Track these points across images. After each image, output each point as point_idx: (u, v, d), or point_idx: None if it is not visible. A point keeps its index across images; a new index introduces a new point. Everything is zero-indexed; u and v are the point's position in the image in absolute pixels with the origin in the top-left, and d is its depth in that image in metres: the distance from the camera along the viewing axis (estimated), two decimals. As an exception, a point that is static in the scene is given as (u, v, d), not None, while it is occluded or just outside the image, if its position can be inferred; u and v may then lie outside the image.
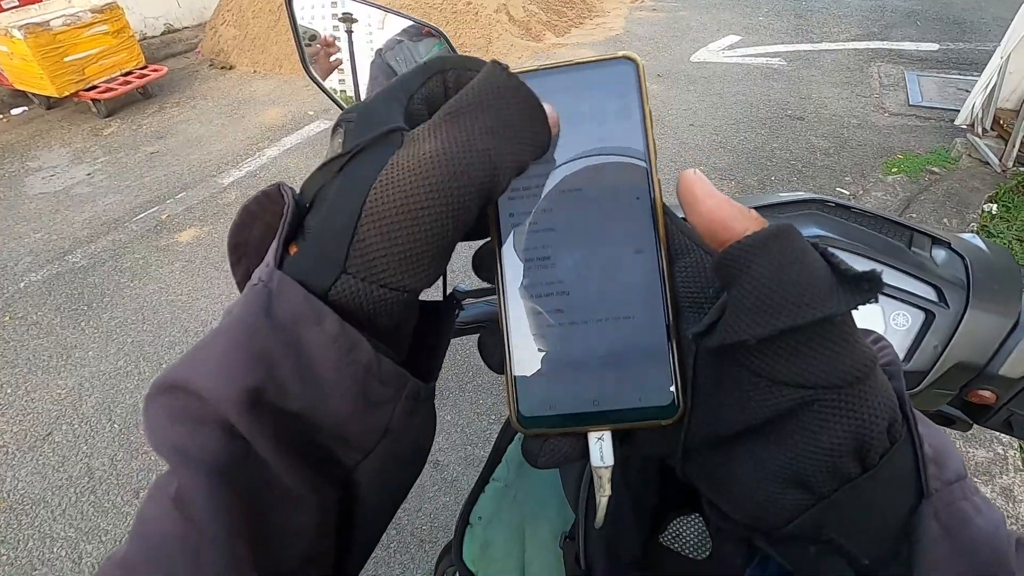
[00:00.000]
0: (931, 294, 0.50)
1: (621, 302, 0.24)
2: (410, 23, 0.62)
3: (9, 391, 2.11)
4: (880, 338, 0.26)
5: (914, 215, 2.67)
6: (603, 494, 0.25)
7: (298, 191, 0.25)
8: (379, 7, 0.59)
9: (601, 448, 0.24)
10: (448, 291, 0.31)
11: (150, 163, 3.62)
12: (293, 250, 0.24)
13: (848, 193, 2.95)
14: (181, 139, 3.91)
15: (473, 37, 4.91)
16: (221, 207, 3.14)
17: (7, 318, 2.44)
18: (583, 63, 0.26)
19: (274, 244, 0.23)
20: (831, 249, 0.21)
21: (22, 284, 2.63)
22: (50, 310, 2.48)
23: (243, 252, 0.25)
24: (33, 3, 4.30)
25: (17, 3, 4.24)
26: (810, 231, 0.55)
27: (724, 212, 0.23)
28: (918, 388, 0.49)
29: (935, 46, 4.70)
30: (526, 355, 0.25)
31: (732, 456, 0.23)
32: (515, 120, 0.24)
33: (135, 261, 2.76)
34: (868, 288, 0.20)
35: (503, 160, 0.23)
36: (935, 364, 0.49)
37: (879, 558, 0.21)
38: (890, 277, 0.52)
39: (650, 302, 0.24)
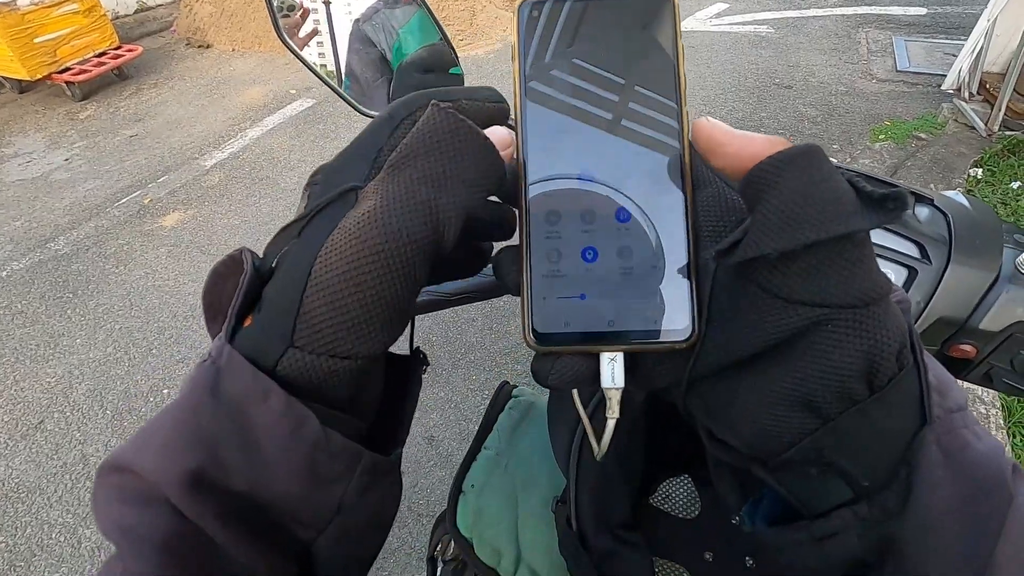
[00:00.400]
0: (914, 251, 0.50)
1: (643, 226, 0.24)
2: None
3: (-3, 381, 2.10)
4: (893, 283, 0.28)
5: (901, 181, 2.67)
6: (612, 415, 0.25)
7: (261, 255, 0.25)
8: None
9: (613, 369, 0.24)
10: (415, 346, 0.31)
11: (130, 146, 3.54)
12: (247, 322, 0.23)
13: (836, 161, 2.95)
14: (160, 121, 3.82)
15: (457, 10, 4.80)
16: (204, 190, 3.09)
17: (-9, 308, 2.41)
18: None
19: (228, 317, 0.23)
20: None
21: (4, 273, 2.59)
22: (35, 298, 2.45)
23: (216, 310, 0.25)
24: (-2, -18, 4.14)
25: (-19, -18, 4.08)
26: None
27: (756, 145, 0.23)
28: (901, 344, 0.50)
29: (923, 10, 4.66)
30: (544, 272, 0.25)
31: (740, 382, 0.23)
32: (459, 163, 0.23)
33: (119, 247, 2.71)
34: (893, 207, 0.20)
35: (446, 210, 0.23)
36: (918, 319, 0.49)
37: (879, 479, 0.21)
38: (875, 235, 0.52)
39: (673, 228, 0.24)
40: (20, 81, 4.06)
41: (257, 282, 0.24)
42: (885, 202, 0.20)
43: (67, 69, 4.00)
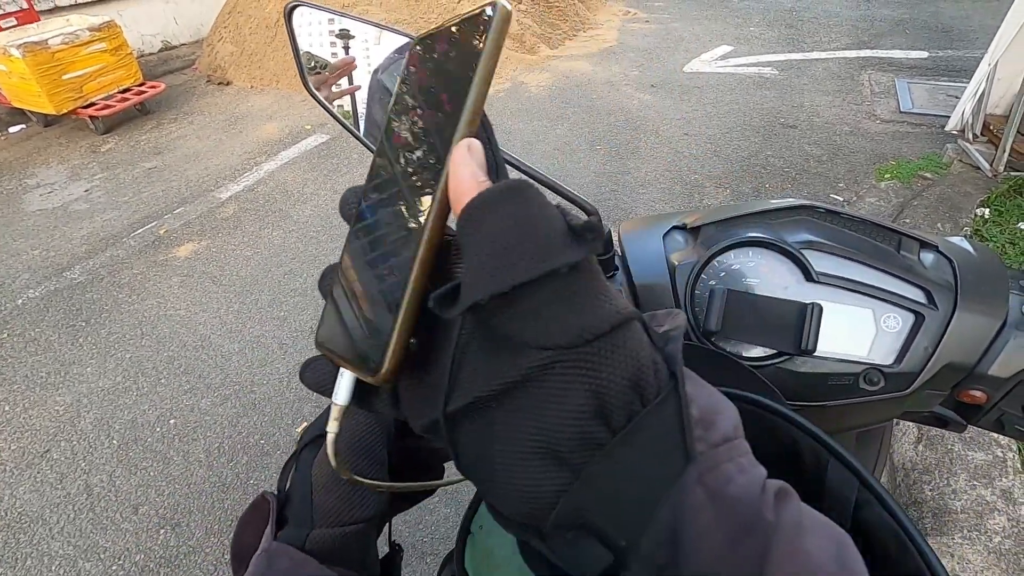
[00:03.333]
0: (920, 296, 0.51)
1: (385, 263, 0.25)
2: (406, 39, 0.63)
3: (7, 408, 2.10)
4: (672, 311, 0.26)
5: (908, 220, 2.69)
6: (330, 429, 0.28)
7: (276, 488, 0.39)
8: (375, 24, 0.60)
9: (341, 386, 0.27)
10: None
11: (148, 179, 3.64)
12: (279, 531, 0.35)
13: (842, 200, 2.98)
14: (179, 154, 3.93)
15: (468, 50, 4.96)
16: (219, 221, 3.15)
17: (5, 335, 2.44)
18: (459, 18, 0.25)
19: (268, 528, 0.34)
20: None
21: (19, 301, 2.63)
22: (48, 326, 2.48)
23: (241, 559, 0.35)
24: (31, 22, 4.34)
25: (16, 22, 4.27)
26: (800, 236, 0.56)
27: (464, 185, 0.22)
28: (910, 389, 0.50)
29: (924, 54, 4.76)
30: (335, 294, 0.28)
31: (492, 430, 0.22)
32: None
33: (133, 276, 2.76)
34: (591, 237, 0.20)
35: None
36: (926, 365, 0.50)
37: (636, 533, 0.20)
38: (880, 280, 0.53)
39: (401, 267, 0.24)
40: (46, 115, 4.21)
41: (279, 504, 0.37)
42: (584, 233, 0.20)
43: (92, 104, 4.15)
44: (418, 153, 0.25)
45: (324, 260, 2.77)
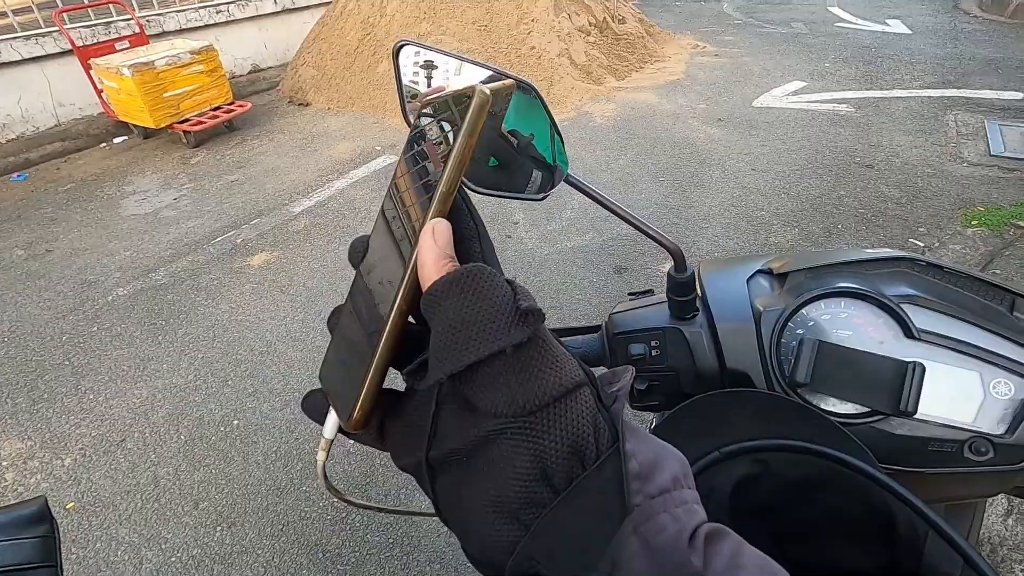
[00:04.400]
0: (1035, 362, 0.48)
1: (368, 319, 0.27)
2: (488, 72, 0.65)
3: (91, 396, 2.27)
4: (625, 368, 0.27)
5: (998, 271, 2.51)
6: (317, 458, 0.31)
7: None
8: (457, 56, 0.62)
9: (329, 420, 0.29)
10: None
11: (230, 190, 3.89)
12: None
13: (923, 245, 2.82)
14: (259, 169, 4.18)
15: (536, 79, 5.06)
16: (291, 234, 3.32)
17: (95, 328, 2.64)
18: (451, 94, 0.27)
19: None
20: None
21: (110, 298, 2.85)
22: (132, 323, 2.67)
23: None
24: (141, 45, 4.78)
25: (128, 45, 4.72)
26: (899, 290, 0.53)
27: (427, 269, 0.24)
28: (1023, 463, 0.46)
29: (1019, 95, 4.48)
30: (336, 334, 0.30)
31: (462, 483, 0.24)
32: None
33: (210, 281, 2.94)
34: (532, 320, 0.22)
35: None
36: (1042, 435, 0.46)
37: None
38: (988, 341, 0.50)
39: (377, 329, 0.26)
40: (146, 128, 4.60)
41: None
42: (528, 316, 0.22)
43: (186, 120, 4.50)
44: (404, 219, 0.27)
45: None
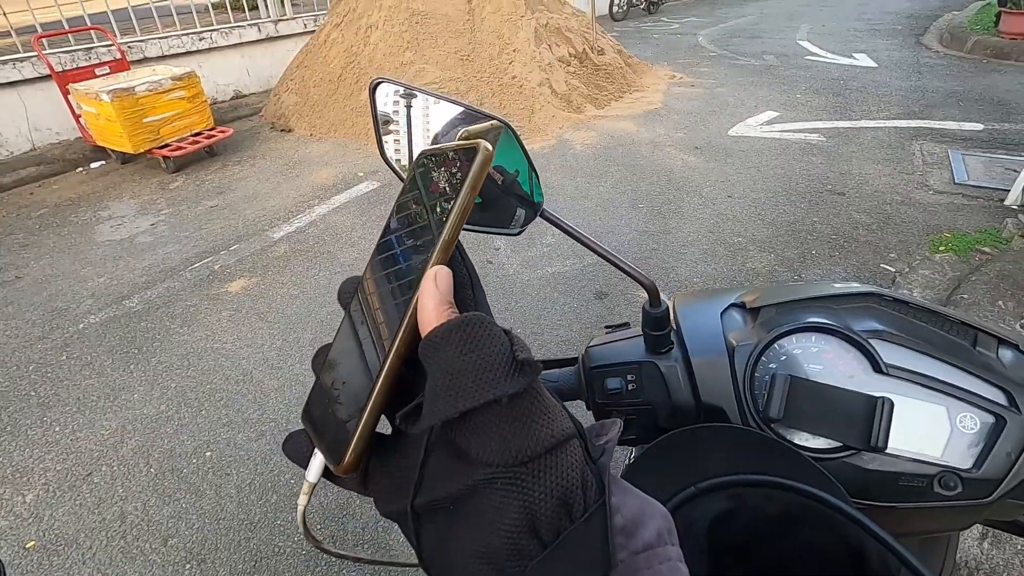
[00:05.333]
0: (1001, 398, 0.49)
1: (360, 362, 0.27)
2: (461, 108, 0.66)
3: (58, 429, 2.18)
4: (613, 421, 0.28)
5: (965, 296, 2.58)
6: (299, 502, 0.31)
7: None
8: (433, 94, 0.63)
9: (314, 463, 0.29)
10: None
11: (209, 216, 3.85)
12: None
13: (893, 270, 2.89)
14: (239, 194, 4.16)
15: (517, 108, 5.16)
16: (270, 260, 3.29)
17: (64, 357, 2.56)
18: (455, 147, 0.28)
19: None
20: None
21: (81, 326, 2.78)
22: (103, 351, 2.59)
23: None
24: (122, 71, 4.77)
25: (109, 70, 4.70)
26: (867, 324, 0.54)
27: (426, 314, 0.25)
28: (991, 497, 0.47)
29: (979, 126, 4.68)
30: (321, 375, 0.30)
31: (448, 530, 0.24)
32: None
33: (186, 308, 2.88)
34: (528, 371, 0.22)
35: None
36: (1009, 472, 0.47)
37: None
38: (954, 376, 0.51)
39: (371, 373, 0.26)
40: (123, 153, 4.55)
41: None
42: (524, 366, 0.22)
43: (166, 145, 4.47)
44: (401, 264, 0.28)
45: (366, 303, 2.84)
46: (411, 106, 0.80)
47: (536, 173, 0.58)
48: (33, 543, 1.77)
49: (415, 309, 0.26)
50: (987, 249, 2.98)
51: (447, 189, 0.27)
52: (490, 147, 0.26)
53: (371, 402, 0.26)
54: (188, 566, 1.70)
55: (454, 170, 0.27)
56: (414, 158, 0.30)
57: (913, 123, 4.87)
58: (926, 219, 3.36)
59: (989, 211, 3.40)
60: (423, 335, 0.25)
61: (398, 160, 0.82)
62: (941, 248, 3.05)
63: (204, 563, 1.70)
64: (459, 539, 0.23)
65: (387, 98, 0.78)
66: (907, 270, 2.89)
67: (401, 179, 0.78)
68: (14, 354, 2.59)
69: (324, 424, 0.28)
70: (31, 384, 2.41)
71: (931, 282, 2.76)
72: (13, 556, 1.73)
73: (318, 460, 0.29)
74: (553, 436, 0.23)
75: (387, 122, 0.78)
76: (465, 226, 0.74)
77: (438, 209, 0.27)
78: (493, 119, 0.64)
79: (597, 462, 0.24)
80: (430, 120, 0.82)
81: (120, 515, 1.85)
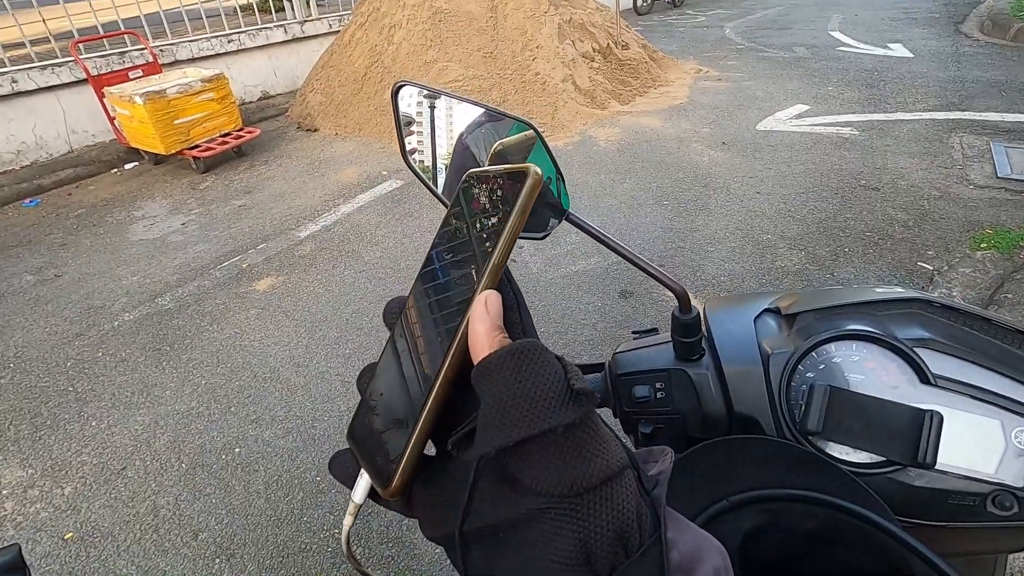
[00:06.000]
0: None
1: (408, 384, 0.27)
2: (482, 110, 0.65)
3: (94, 424, 2.25)
4: (663, 449, 0.27)
5: (1009, 295, 2.47)
6: (344, 523, 0.31)
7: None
8: (460, 98, 0.63)
9: (360, 484, 0.29)
10: None
11: (237, 215, 3.93)
12: None
13: (931, 268, 2.79)
14: (266, 194, 4.23)
15: (540, 105, 5.13)
16: (296, 258, 3.33)
17: (100, 353, 2.64)
18: (503, 170, 0.28)
19: None
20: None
21: (116, 323, 2.86)
22: (137, 348, 2.67)
23: None
24: (154, 73, 4.89)
25: (141, 74, 4.83)
26: (913, 332, 0.51)
27: (478, 338, 0.25)
28: (1050, 518, 0.44)
29: (1023, 117, 4.48)
30: (371, 391, 0.30)
31: (498, 555, 0.23)
32: None
33: (216, 306, 2.94)
34: (585, 401, 0.22)
35: None
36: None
37: None
38: (1009, 388, 0.48)
39: (417, 396, 0.26)
40: (156, 154, 4.67)
41: None
42: (580, 396, 0.22)
43: (196, 146, 4.57)
44: (449, 288, 0.28)
45: (390, 301, 2.86)
46: (434, 107, 0.79)
47: (563, 179, 0.56)
48: (71, 535, 1.83)
49: (464, 334, 0.26)
50: (1032, 246, 2.85)
51: (495, 212, 0.27)
52: (539, 171, 0.27)
53: (419, 427, 0.26)
54: (217, 560, 1.73)
55: (503, 193, 0.27)
56: (460, 178, 0.30)
57: (952, 115, 4.69)
58: (966, 215, 3.23)
59: (1034, 206, 3.25)
60: (475, 361, 0.24)
61: (421, 163, 0.81)
62: (983, 245, 2.92)
63: (233, 558, 1.74)
64: (508, 567, 0.23)
65: (411, 99, 0.78)
66: (946, 268, 2.78)
67: (427, 186, 0.78)
68: (53, 351, 2.68)
69: (370, 446, 0.28)
70: (69, 380, 2.49)
71: (972, 281, 2.65)
72: (53, 547, 1.79)
73: (364, 481, 0.29)
74: (609, 467, 0.22)
75: (409, 123, 0.77)
76: None
77: (486, 233, 0.27)
78: (516, 119, 0.63)
79: (651, 493, 0.24)
80: (453, 122, 0.81)
81: (153, 509, 1.90)
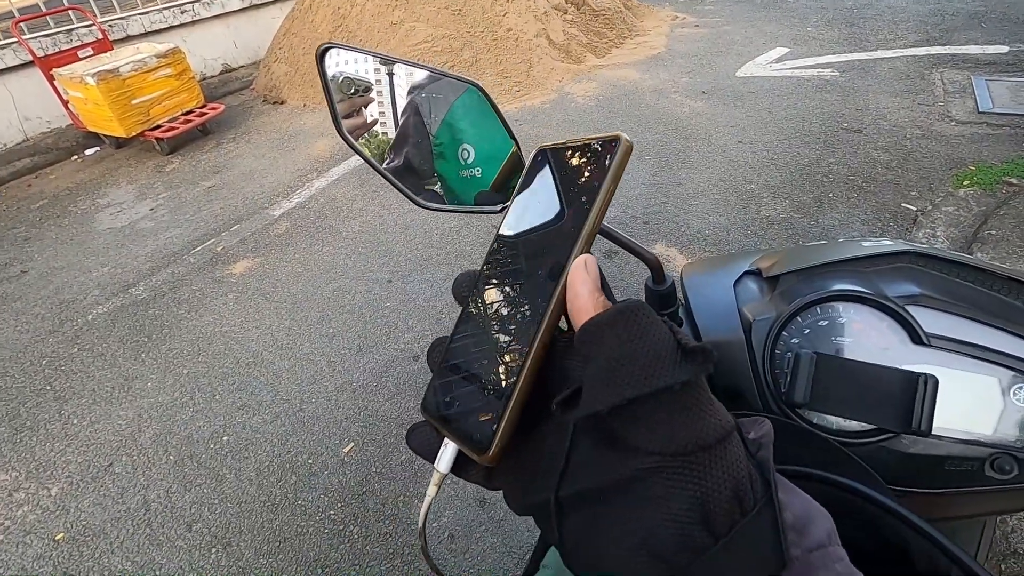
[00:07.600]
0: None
1: (496, 354, 0.28)
2: (427, 73, 0.60)
3: (76, 421, 2.21)
4: (757, 419, 0.27)
5: (993, 232, 2.46)
6: (428, 493, 0.30)
7: None
8: (416, 65, 0.57)
9: (444, 455, 0.29)
10: None
11: (207, 197, 3.79)
12: None
13: (915, 209, 2.77)
14: (236, 173, 4.08)
15: (514, 63, 4.95)
16: (272, 238, 3.24)
17: (75, 349, 2.57)
18: (585, 141, 0.29)
19: None
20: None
21: (90, 317, 2.78)
22: (114, 341, 2.60)
23: None
24: (105, 51, 4.63)
25: (92, 52, 4.57)
26: (903, 289, 0.48)
27: (582, 301, 0.25)
28: (1051, 479, 0.41)
29: (1004, 48, 4.41)
30: (445, 364, 0.30)
31: (597, 520, 0.23)
32: None
33: (192, 293, 2.86)
34: (702, 360, 0.22)
35: None
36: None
37: None
38: (1006, 343, 0.44)
39: (513, 361, 0.27)
40: (117, 138, 4.47)
41: None
42: (696, 354, 0.22)
43: (158, 126, 4.37)
44: (538, 257, 0.28)
45: (371, 277, 2.80)
46: (393, 73, 0.73)
47: (516, 140, 0.51)
48: (62, 535, 1.80)
49: (560, 298, 0.26)
50: (1015, 180, 2.84)
51: (585, 180, 0.28)
52: (629, 139, 0.27)
53: (516, 392, 0.26)
54: (214, 550, 1.72)
55: (589, 162, 0.28)
56: (530, 153, 0.31)
57: (933, 50, 4.60)
58: (949, 152, 3.20)
59: (1017, 139, 3.22)
60: (577, 323, 0.24)
61: (385, 135, 0.75)
62: (966, 182, 2.90)
63: (229, 546, 1.73)
64: (613, 531, 0.22)
65: (345, 65, 0.71)
66: (930, 208, 2.77)
67: (359, 153, 0.72)
68: (27, 349, 2.60)
69: (457, 417, 0.28)
70: (46, 378, 2.43)
71: (956, 219, 2.64)
72: (44, 549, 1.77)
73: (449, 451, 0.29)
74: (722, 427, 0.22)
75: (354, 91, 0.71)
76: (444, 209, 0.68)
77: (578, 200, 0.28)
78: (459, 79, 0.57)
79: (757, 456, 0.23)
80: (401, 87, 0.75)
81: (144, 503, 1.88)
